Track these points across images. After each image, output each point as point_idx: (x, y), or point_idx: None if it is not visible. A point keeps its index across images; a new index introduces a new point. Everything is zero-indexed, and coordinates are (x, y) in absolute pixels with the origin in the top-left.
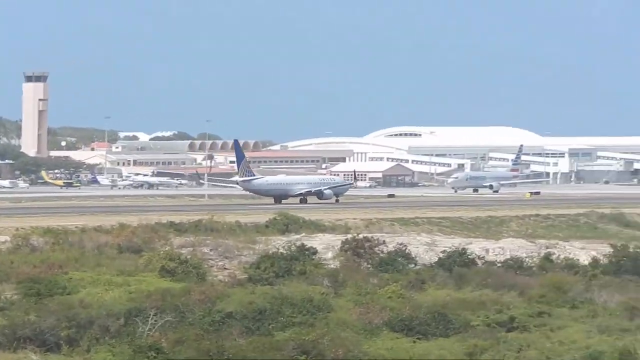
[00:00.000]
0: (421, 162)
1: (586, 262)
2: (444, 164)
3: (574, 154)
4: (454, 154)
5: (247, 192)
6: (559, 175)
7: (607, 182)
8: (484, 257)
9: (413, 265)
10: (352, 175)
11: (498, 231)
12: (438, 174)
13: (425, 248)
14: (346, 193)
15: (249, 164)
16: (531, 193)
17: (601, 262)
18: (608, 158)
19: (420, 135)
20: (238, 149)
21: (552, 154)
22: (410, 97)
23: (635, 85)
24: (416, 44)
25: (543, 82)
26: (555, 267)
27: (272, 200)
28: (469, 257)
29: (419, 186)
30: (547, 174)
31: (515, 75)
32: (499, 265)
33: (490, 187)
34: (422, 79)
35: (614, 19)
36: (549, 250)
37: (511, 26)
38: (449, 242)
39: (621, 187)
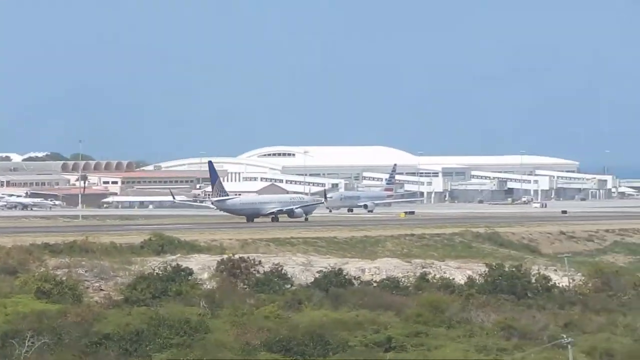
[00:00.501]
0: (295, 182)
1: (462, 282)
2: (318, 184)
3: (447, 173)
4: (328, 174)
5: (221, 212)
6: (433, 195)
7: (481, 202)
8: (360, 277)
9: (289, 285)
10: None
11: (373, 251)
12: (312, 194)
13: (301, 268)
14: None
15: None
16: (406, 213)
17: (477, 281)
18: (481, 177)
19: (294, 155)
20: (212, 170)
21: (425, 173)
22: (284, 117)
23: (505, 106)
24: (287, 63)
25: (416, 102)
26: (431, 287)
27: (243, 219)
28: (345, 277)
29: None
30: (421, 193)
31: (388, 94)
32: (375, 285)
33: (365, 206)
34: (294, 98)
35: (483, 41)
36: (424, 269)
37: (375, 47)
38: (324, 262)
39: (495, 206)
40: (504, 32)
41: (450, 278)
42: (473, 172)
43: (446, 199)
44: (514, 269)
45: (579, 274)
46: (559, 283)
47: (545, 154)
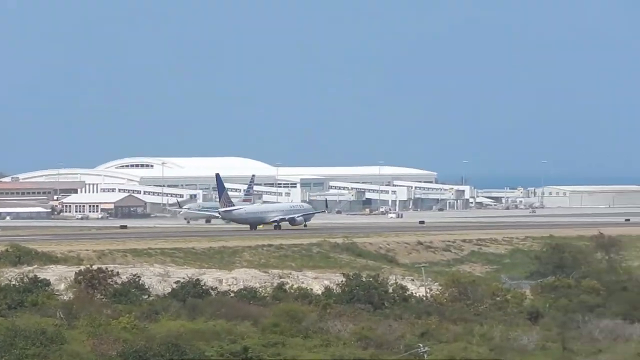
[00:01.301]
0: (153, 193)
1: (319, 292)
2: (176, 195)
3: (306, 184)
4: (187, 185)
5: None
6: None
7: (339, 212)
8: (217, 287)
9: (147, 296)
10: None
11: (231, 261)
12: (170, 205)
13: (159, 279)
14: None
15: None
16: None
17: (334, 291)
18: (340, 188)
19: (152, 166)
20: (219, 182)
21: (284, 184)
22: (142, 128)
23: (365, 115)
24: (141, 74)
25: (275, 114)
26: (288, 297)
27: (246, 227)
28: (203, 287)
29: (152, 217)
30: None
31: (248, 106)
32: (232, 295)
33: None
34: (152, 109)
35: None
36: (282, 280)
37: (235, 56)
38: (182, 273)
39: (353, 216)
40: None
41: (308, 288)
42: (331, 183)
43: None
44: (371, 279)
45: (436, 283)
46: (416, 293)
47: (404, 165)
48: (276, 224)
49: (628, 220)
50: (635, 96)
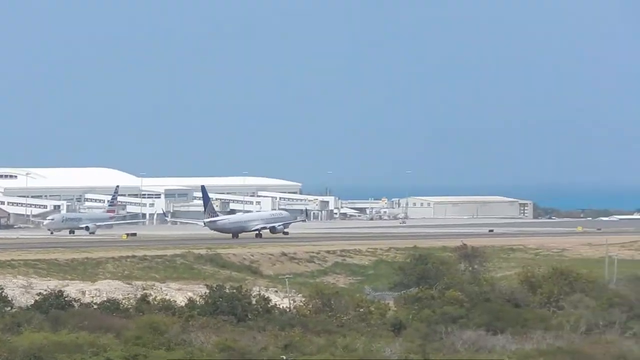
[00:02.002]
0: (17, 204)
1: (183, 303)
2: (40, 206)
3: (170, 194)
4: (51, 196)
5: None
6: (155, 216)
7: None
8: (80, 299)
9: (9, 308)
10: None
11: (94, 273)
12: (34, 216)
13: (22, 291)
14: None
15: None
16: (127, 234)
17: (197, 302)
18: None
19: (16, 176)
20: (205, 194)
21: (148, 194)
22: (5, 139)
23: (230, 129)
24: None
25: (137, 124)
26: (152, 309)
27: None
28: (66, 299)
29: (15, 228)
30: (144, 214)
31: (112, 116)
32: (95, 307)
33: (87, 228)
34: (17, 120)
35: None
36: (145, 291)
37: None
38: (45, 285)
39: None
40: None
41: (171, 300)
42: (195, 194)
43: (168, 220)
44: (234, 291)
45: (299, 295)
46: (279, 304)
47: (268, 176)
48: (257, 232)
49: (492, 231)
50: (491, 110)
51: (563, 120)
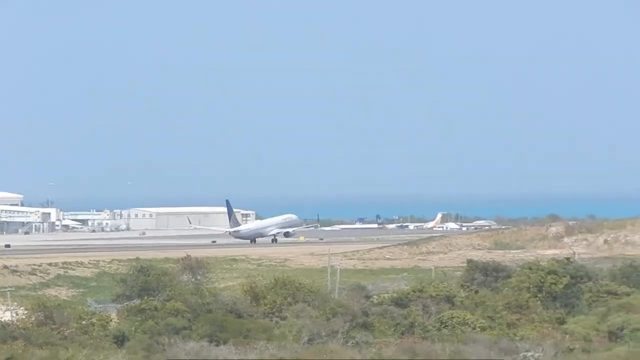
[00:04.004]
0: None
1: None
2: None
3: None
4: None
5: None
6: None
7: None
8: None
9: None
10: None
11: None
12: None
13: None
14: None
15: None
16: None
17: None
18: None
19: None
20: (229, 207)
21: None
22: None
23: None
24: None
25: None
26: None
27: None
28: None
29: None
30: None
31: None
32: None
33: None
34: None
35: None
36: None
37: None
38: None
39: None
40: None
41: None
42: None
43: None
44: None
45: (22, 308)
46: (1, 317)
47: None
48: (273, 237)
49: (214, 242)
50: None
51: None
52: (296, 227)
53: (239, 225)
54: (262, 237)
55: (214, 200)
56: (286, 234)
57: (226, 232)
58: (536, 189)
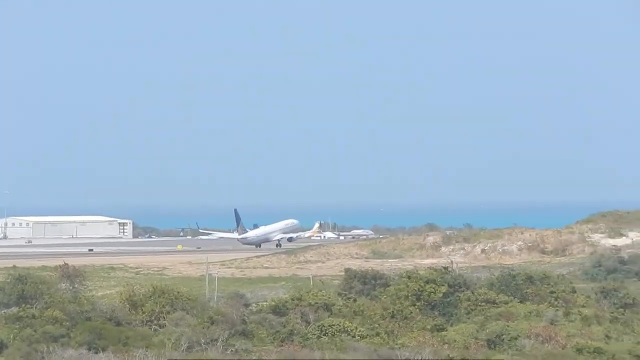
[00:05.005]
0: None
1: None
2: None
3: None
4: None
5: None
6: None
7: None
8: None
9: None
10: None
11: None
12: None
13: None
14: None
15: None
16: None
17: None
18: None
19: None
20: (237, 215)
21: None
22: None
23: None
24: None
25: None
26: None
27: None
28: None
29: None
30: None
31: None
32: None
33: None
34: None
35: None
36: None
37: None
38: None
39: None
40: None
41: None
42: None
43: None
44: None
45: None
46: None
47: None
48: (278, 242)
49: (92, 250)
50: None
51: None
52: (297, 232)
53: (246, 232)
54: (268, 242)
55: (95, 209)
56: (289, 239)
57: (235, 238)
58: (416, 199)
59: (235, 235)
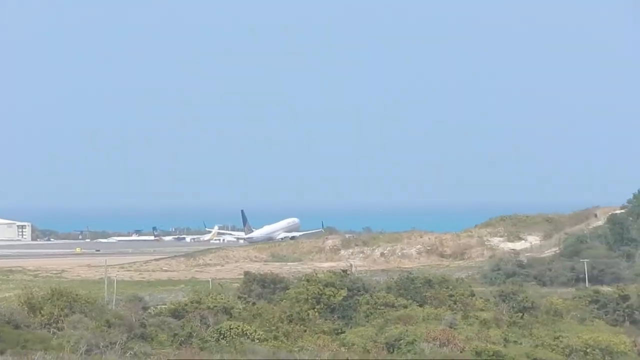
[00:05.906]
0: None
1: None
2: None
3: None
4: None
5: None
6: None
7: None
8: None
9: None
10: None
11: None
12: None
13: None
14: None
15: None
16: None
17: None
18: None
19: None
20: (244, 216)
21: None
22: None
23: None
24: None
25: None
26: None
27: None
28: None
29: None
30: None
31: None
32: None
33: None
34: None
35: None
36: None
37: None
38: None
39: None
40: None
41: None
42: None
43: None
44: None
45: None
46: None
47: None
48: (281, 240)
49: None
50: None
51: None
52: (299, 231)
53: (252, 232)
54: (272, 241)
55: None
56: (292, 238)
57: (241, 238)
58: (317, 202)
59: (242, 234)
